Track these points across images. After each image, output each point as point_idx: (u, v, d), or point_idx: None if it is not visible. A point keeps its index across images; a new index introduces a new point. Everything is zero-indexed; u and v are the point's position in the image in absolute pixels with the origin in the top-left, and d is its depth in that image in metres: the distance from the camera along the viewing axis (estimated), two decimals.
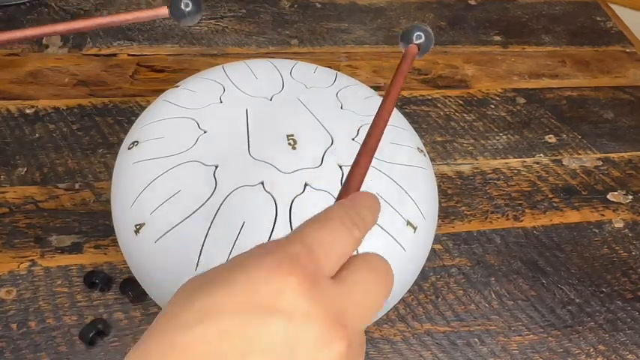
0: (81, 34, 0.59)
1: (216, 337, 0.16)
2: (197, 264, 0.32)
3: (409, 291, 0.42)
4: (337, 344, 0.17)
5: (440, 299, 0.43)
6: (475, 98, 0.60)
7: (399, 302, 0.40)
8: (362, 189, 0.25)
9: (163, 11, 0.34)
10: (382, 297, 0.20)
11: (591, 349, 0.42)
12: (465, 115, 0.58)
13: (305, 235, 0.19)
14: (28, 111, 0.51)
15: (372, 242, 0.34)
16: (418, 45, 0.36)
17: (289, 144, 0.37)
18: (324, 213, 0.21)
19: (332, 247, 0.19)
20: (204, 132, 0.37)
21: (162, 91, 0.44)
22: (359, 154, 0.26)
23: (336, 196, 0.34)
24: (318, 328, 0.17)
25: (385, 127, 0.28)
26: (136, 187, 0.35)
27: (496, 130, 0.57)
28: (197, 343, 0.16)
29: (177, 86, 0.42)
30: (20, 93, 0.53)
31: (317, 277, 0.18)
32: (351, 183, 0.25)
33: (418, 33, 0.36)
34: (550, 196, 0.52)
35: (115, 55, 0.58)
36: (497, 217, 0.49)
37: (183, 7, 0.34)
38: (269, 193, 0.34)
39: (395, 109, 0.44)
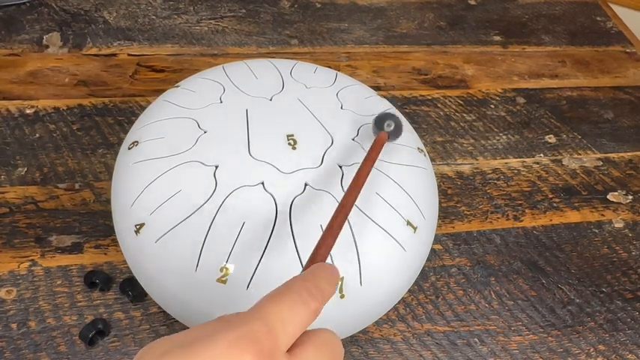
0: (81, 34, 0.59)
1: None
2: (197, 264, 0.32)
3: (409, 291, 0.42)
4: None
5: (440, 299, 0.43)
6: (475, 98, 0.60)
7: (399, 302, 0.40)
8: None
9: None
10: None
11: (591, 349, 0.42)
12: (465, 115, 0.58)
13: (265, 311, 0.21)
14: (28, 111, 0.51)
15: (372, 242, 0.34)
16: (388, 133, 0.37)
17: (289, 144, 0.37)
18: (284, 287, 0.22)
19: (290, 322, 0.21)
20: (204, 132, 0.37)
21: (162, 91, 0.44)
22: (324, 234, 0.28)
23: (336, 196, 0.34)
24: None
25: (350, 211, 0.30)
26: (136, 187, 0.35)
27: (496, 130, 0.57)
28: None
29: (177, 86, 0.42)
30: (20, 93, 0.53)
31: (272, 354, 0.20)
32: (317, 257, 0.26)
33: (388, 122, 0.37)
34: (550, 196, 0.52)
35: (115, 55, 0.58)
36: (497, 217, 0.49)
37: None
38: (269, 193, 0.34)
39: (395, 109, 0.44)
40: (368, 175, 0.33)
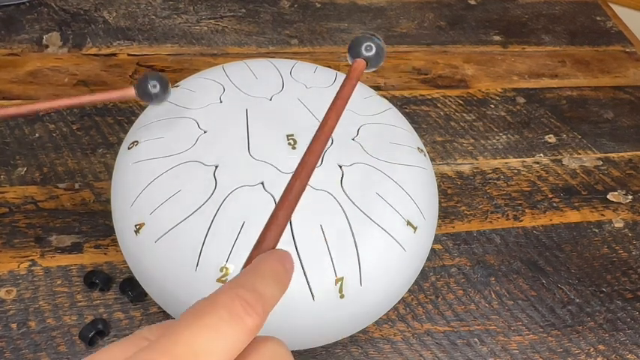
0: (81, 34, 0.59)
1: None
2: (197, 264, 0.32)
3: (409, 291, 0.42)
4: None
5: (440, 299, 0.43)
6: (475, 98, 0.60)
7: (399, 302, 0.40)
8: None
9: (130, 92, 0.34)
10: None
11: (591, 349, 0.42)
12: (464, 115, 0.58)
13: (176, 341, 0.16)
14: None
15: (372, 242, 0.34)
16: (367, 59, 0.31)
17: (289, 144, 0.37)
18: (208, 299, 0.17)
19: (211, 353, 0.16)
20: (204, 132, 0.37)
21: None
22: (278, 203, 0.22)
23: (336, 196, 0.34)
24: None
25: (315, 163, 0.25)
26: (136, 187, 0.35)
27: (496, 130, 0.57)
28: None
29: (177, 86, 0.42)
30: (20, 93, 0.53)
31: None
32: (262, 242, 0.21)
33: (367, 44, 0.30)
34: (550, 196, 0.52)
35: (114, 54, 0.58)
36: (497, 217, 0.49)
37: (150, 88, 0.34)
38: (269, 193, 0.34)
39: (395, 109, 0.44)
40: (339, 117, 0.27)
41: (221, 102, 0.39)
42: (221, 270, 0.32)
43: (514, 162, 0.54)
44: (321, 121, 0.27)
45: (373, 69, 0.31)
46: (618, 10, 0.78)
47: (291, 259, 0.20)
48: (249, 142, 0.37)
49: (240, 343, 0.17)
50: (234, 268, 0.32)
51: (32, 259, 0.41)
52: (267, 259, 0.20)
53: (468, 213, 0.49)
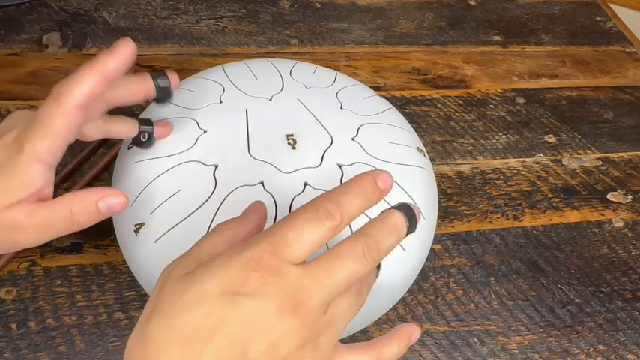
0: (81, 34, 0.59)
1: (203, 318, 0.22)
2: None
3: (409, 291, 0.42)
4: (290, 317, 0.23)
5: (439, 299, 0.43)
6: (475, 98, 0.60)
7: (398, 302, 0.40)
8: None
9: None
10: (344, 276, 0.24)
11: (591, 349, 0.42)
12: (464, 115, 0.58)
13: (274, 232, 0.24)
14: None
15: None
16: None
17: (289, 144, 0.37)
18: (304, 207, 0.25)
19: (298, 240, 0.23)
20: (204, 132, 0.37)
21: None
22: None
23: None
24: (275, 304, 0.23)
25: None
26: (136, 187, 0.35)
27: (496, 130, 0.57)
28: (190, 324, 0.22)
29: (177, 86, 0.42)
30: (20, 93, 0.53)
31: (279, 269, 0.23)
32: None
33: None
34: (550, 196, 0.52)
35: None
36: (497, 217, 0.49)
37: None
38: (269, 192, 0.34)
39: (394, 109, 0.44)
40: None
41: (221, 102, 0.39)
42: None
43: (514, 162, 0.54)
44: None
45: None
46: (618, 10, 0.78)
47: (388, 178, 0.26)
48: (249, 142, 0.37)
49: (320, 237, 0.24)
50: None
51: (32, 259, 0.41)
52: (360, 177, 0.26)
53: (468, 213, 0.49)
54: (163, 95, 0.35)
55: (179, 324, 0.23)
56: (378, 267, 0.29)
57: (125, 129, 0.35)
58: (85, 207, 0.29)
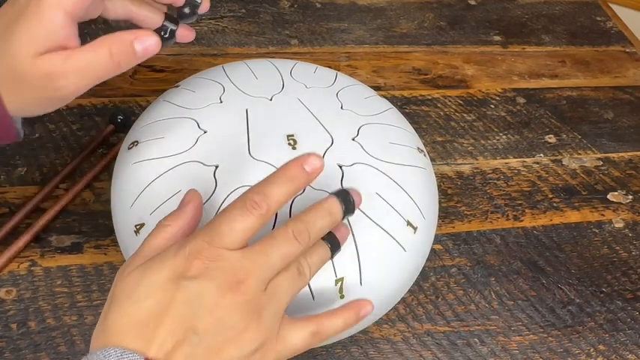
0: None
1: (154, 304, 0.26)
2: None
3: (409, 291, 0.42)
4: (230, 293, 0.26)
5: (440, 299, 0.43)
6: (475, 98, 0.60)
7: (399, 302, 0.40)
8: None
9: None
10: (277, 256, 0.27)
11: (591, 349, 0.42)
12: (464, 115, 0.58)
13: (209, 228, 0.27)
14: None
15: (372, 242, 0.34)
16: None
17: (289, 144, 0.37)
18: (233, 203, 0.28)
19: (232, 230, 0.27)
20: (204, 132, 0.37)
21: (162, 91, 0.44)
22: None
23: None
24: (217, 283, 0.26)
25: None
26: (136, 187, 0.35)
27: (496, 130, 0.57)
28: (143, 309, 0.26)
29: (177, 86, 0.42)
30: None
31: (218, 256, 0.26)
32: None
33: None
34: (550, 196, 0.52)
35: None
36: (497, 217, 0.49)
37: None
38: None
39: (395, 109, 0.44)
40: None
41: (221, 102, 0.39)
42: None
43: (514, 162, 0.54)
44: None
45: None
46: (618, 10, 0.78)
47: (316, 160, 0.28)
48: (249, 142, 0.37)
49: (252, 225, 0.27)
50: None
51: (32, 259, 0.41)
52: (287, 165, 0.28)
53: (468, 213, 0.49)
54: (192, 8, 0.35)
55: (134, 311, 0.26)
56: (334, 250, 0.31)
57: (150, 16, 0.34)
58: (122, 47, 0.29)
